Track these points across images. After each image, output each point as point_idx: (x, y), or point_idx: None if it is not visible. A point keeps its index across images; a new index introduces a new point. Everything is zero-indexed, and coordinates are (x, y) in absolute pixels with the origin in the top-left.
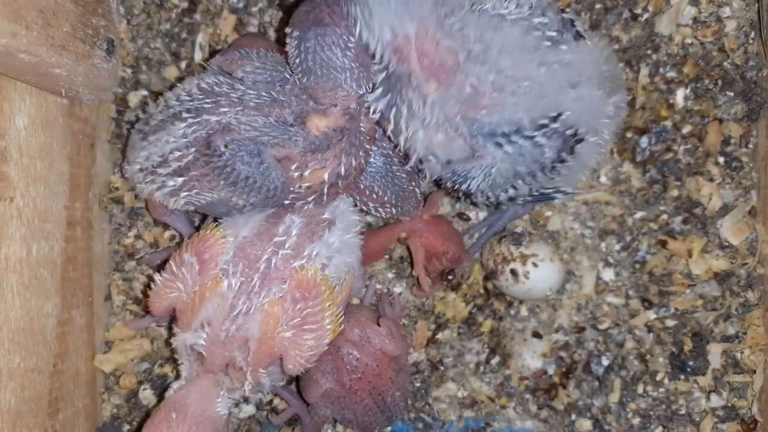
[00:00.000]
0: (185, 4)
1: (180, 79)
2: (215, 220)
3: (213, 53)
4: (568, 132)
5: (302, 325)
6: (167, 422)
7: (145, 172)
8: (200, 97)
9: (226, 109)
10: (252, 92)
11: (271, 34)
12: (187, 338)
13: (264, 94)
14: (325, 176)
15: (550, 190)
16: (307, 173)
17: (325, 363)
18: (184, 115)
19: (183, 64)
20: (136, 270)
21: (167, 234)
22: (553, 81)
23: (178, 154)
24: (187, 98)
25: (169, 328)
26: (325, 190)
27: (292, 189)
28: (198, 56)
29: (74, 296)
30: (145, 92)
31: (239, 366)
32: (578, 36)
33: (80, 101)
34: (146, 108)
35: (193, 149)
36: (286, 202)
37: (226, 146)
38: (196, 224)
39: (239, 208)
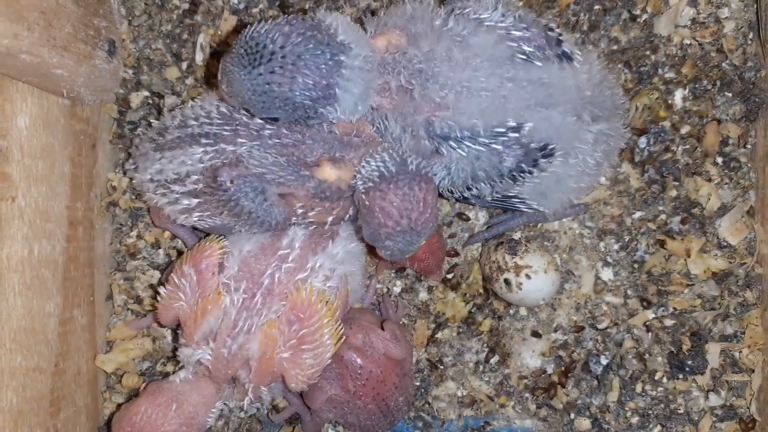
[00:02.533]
0: (186, 6)
1: (181, 80)
2: None
3: (214, 54)
4: (533, 145)
5: (300, 345)
6: (165, 409)
7: (157, 184)
8: (219, 122)
9: (244, 140)
10: (270, 127)
11: None
12: (192, 353)
13: (284, 130)
14: (329, 219)
15: (516, 200)
16: (311, 214)
17: (330, 369)
18: (203, 140)
19: (184, 65)
20: (137, 269)
21: (167, 233)
22: (520, 97)
23: (194, 177)
24: (206, 120)
25: (173, 331)
26: (327, 227)
27: (294, 219)
28: (199, 57)
29: (76, 296)
30: (146, 93)
31: (242, 382)
32: (564, 56)
33: (82, 102)
34: (160, 115)
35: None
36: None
37: (231, 182)
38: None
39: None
